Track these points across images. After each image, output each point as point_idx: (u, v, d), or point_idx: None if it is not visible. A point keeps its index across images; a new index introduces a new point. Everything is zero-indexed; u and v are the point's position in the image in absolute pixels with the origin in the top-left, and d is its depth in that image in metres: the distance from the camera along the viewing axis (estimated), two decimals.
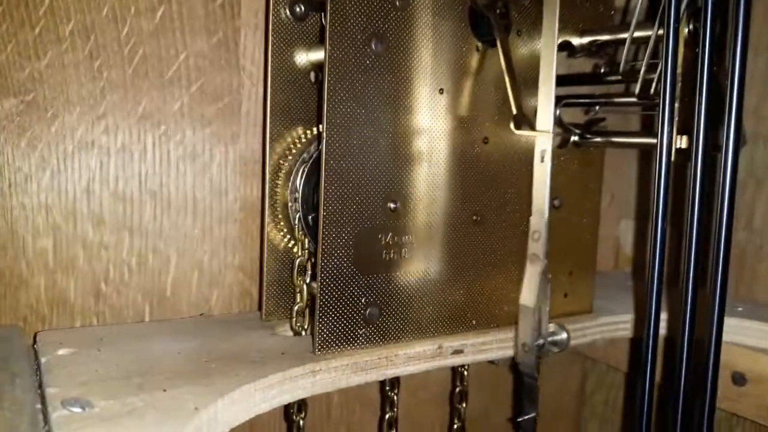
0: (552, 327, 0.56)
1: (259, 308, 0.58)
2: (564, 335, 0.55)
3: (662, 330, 0.57)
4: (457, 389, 0.64)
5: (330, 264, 0.49)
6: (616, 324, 0.63)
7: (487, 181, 0.56)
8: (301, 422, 0.55)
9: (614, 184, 0.78)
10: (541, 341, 0.55)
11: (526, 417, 0.57)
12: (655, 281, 0.51)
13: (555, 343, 0.55)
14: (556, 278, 0.60)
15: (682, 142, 0.51)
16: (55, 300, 0.52)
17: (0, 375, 0.42)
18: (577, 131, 0.59)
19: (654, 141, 0.51)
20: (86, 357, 0.46)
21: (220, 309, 0.59)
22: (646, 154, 0.77)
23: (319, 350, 0.49)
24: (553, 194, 0.59)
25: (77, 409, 0.38)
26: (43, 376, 0.42)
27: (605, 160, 0.63)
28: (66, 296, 0.53)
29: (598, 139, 0.60)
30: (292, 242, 0.54)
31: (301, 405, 0.55)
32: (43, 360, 0.45)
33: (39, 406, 0.39)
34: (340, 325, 0.50)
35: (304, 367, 0.48)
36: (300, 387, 0.48)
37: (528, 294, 0.55)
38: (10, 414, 0.37)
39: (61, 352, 0.46)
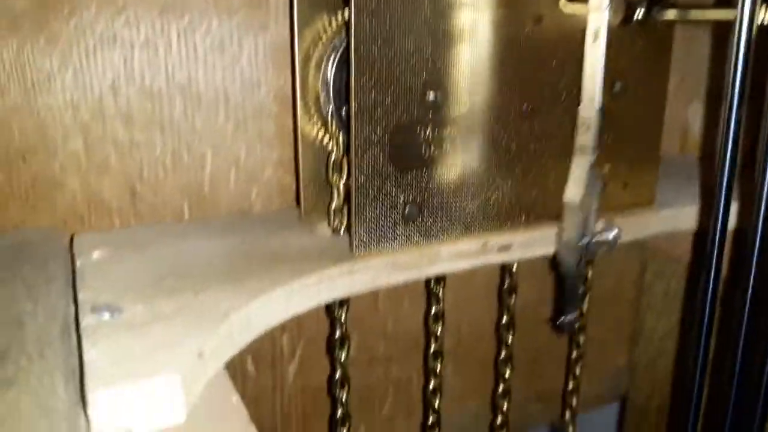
0: (600, 224, 0.52)
1: (298, 205, 0.56)
2: (613, 234, 0.51)
3: (731, 222, 0.53)
4: (506, 284, 0.62)
5: (364, 162, 0.46)
6: (680, 216, 0.59)
7: (540, 66, 0.51)
8: (343, 317, 0.54)
9: (684, 64, 0.71)
10: (586, 240, 0.51)
11: (567, 318, 0.54)
12: (726, 168, 0.47)
13: (603, 243, 0.51)
14: (615, 168, 0.56)
15: (766, 15, 0.44)
16: (91, 201, 0.52)
17: (36, 279, 0.42)
18: (643, 5, 0.52)
19: (732, 14, 0.44)
20: (120, 260, 0.45)
21: (261, 205, 0.58)
22: (723, 29, 0.69)
23: (357, 250, 0.47)
24: (615, 77, 0.54)
25: (106, 316, 0.37)
26: (76, 280, 0.42)
27: (675, 37, 0.57)
28: (101, 197, 0.52)
29: (667, 14, 0.53)
30: (327, 137, 0.51)
31: (343, 301, 0.54)
32: (77, 263, 0.45)
33: (71, 311, 0.39)
34: (377, 224, 0.48)
35: (342, 267, 0.46)
36: (338, 287, 0.47)
37: (574, 189, 0.50)
38: (44, 320, 0.37)
39: (95, 255, 0.46)
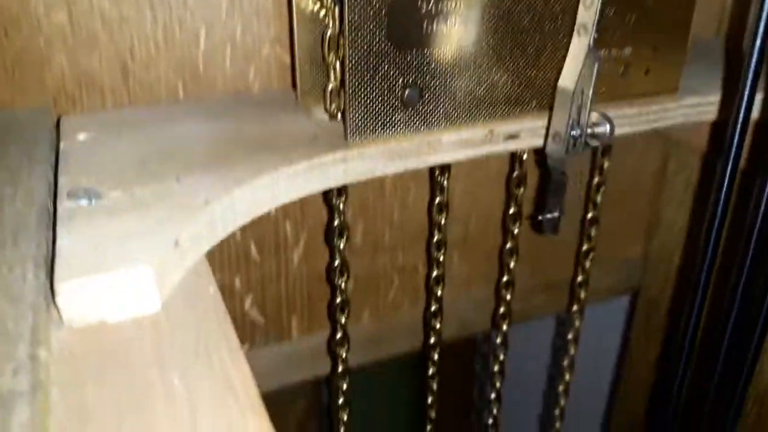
0: (594, 116, 0.48)
1: (294, 87, 0.54)
2: (606, 127, 0.47)
3: (755, 112, 0.49)
4: (515, 173, 0.59)
5: (359, 38, 0.42)
6: (704, 106, 0.55)
7: None
8: (341, 206, 0.53)
9: None
10: (577, 132, 0.47)
11: (550, 216, 0.51)
12: (755, 55, 0.43)
13: (595, 136, 0.48)
14: (637, 52, 0.52)
15: None
16: (81, 79, 0.50)
17: (20, 162, 0.41)
18: None
19: None
20: (106, 143, 0.44)
21: (260, 86, 0.55)
22: None
23: (352, 136, 0.45)
24: None
25: (84, 201, 0.36)
26: (59, 163, 0.41)
27: None
28: (92, 75, 0.50)
29: None
30: (322, 10, 0.47)
31: (341, 190, 0.52)
32: (62, 146, 0.43)
33: (50, 196, 0.38)
34: (374, 108, 0.45)
35: (334, 154, 0.44)
36: (330, 175, 0.45)
37: (569, 74, 0.47)
38: (22, 206, 0.36)
39: (81, 137, 0.44)
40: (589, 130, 0.47)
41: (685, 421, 0.64)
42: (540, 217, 0.52)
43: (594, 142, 0.47)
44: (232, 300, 0.62)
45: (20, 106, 0.49)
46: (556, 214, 0.52)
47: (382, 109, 0.45)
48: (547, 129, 0.49)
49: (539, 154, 0.50)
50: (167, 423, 0.26)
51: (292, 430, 1.00)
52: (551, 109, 0.48)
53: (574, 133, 0.47)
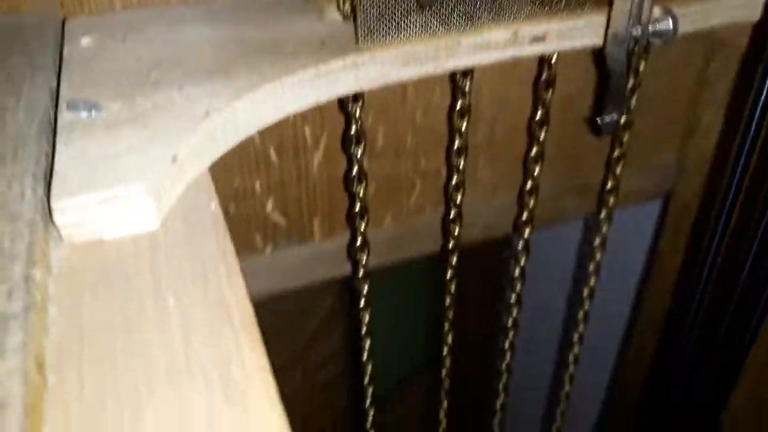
0: (656, 12, 0.45)
1: None
2: (670, 24, 0.44)
3: None
4: (543, 76, 0.56)
5: None
6: (750, 4, 0.50)
7: None
8: (357, 113, 0.51)
9: None
10: (638, 31, 0.45)
11: (609, 118, 0.50)
12: None
13: (657, 34, 0.45)
14: None
15: None
16: None
17: (23, 71, 0.40)
18: None
19: None
20: (109, 49, 0.43)
21: None
22: None
23: (363, 40, 0.43)
24: None
25: (84, 114, 0.36)
26: (61, 71, 0.40)
27: None
28: None
29: None
30: None
31: (358, 95, 0.50)
32: (65, 52, 0.42)
33: (52, 107, 0.37)
34: (387, 9, 0.42)
35: (345, 60, 0.42)
36: (340, 83, 0.43)
37: None
38: (23, 118, 0.36)
39: (84, 43, 0.43)
40: (651, 28, 0.44)
41: (706, 325, 0.64)
42: (598, 120, 0.50)
43: (656, 41, 0.45)
44: (254, 202, 0.62)
45: (27, 9, 0.48)
46: (614, 117, 0.50)
47: (396, 9, 0.43)
48: (606, 29, 0.46)
49: (598, 55, 0.48)
50: (161, 344, 0.27)
51: (314, 329, 1.03)
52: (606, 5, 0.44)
53: (635, 32, 0.44)
